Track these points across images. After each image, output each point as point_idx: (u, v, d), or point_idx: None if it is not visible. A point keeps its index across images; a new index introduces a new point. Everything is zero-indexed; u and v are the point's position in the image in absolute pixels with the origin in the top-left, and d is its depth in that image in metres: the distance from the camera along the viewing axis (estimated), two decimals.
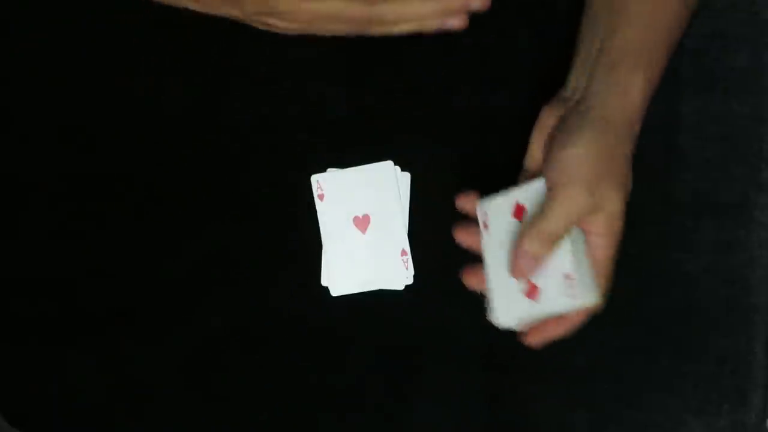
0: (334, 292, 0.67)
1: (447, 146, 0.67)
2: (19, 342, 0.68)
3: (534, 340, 0.61)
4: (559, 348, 0.67)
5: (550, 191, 0.57)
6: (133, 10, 0.69)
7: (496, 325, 0.60)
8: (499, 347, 0.67)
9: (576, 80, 0.61)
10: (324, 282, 0.68)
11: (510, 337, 0.67)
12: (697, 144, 0.68)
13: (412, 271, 0.67)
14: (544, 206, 0.57)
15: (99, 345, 0.68)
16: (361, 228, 0.68)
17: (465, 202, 0.64)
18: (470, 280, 0.63)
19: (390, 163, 0.67)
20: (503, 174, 0.67)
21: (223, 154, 0.69)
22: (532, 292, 0.58)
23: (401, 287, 0.67)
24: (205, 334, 0.67)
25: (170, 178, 0.68)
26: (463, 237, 0.64)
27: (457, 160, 0.67)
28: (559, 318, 0.60)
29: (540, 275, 0.58)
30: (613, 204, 0.57)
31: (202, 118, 0.69)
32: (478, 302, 0.67)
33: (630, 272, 0.67)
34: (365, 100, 0.67)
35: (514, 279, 0.59)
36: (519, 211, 0.59)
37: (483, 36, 0.69)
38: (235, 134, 0.69)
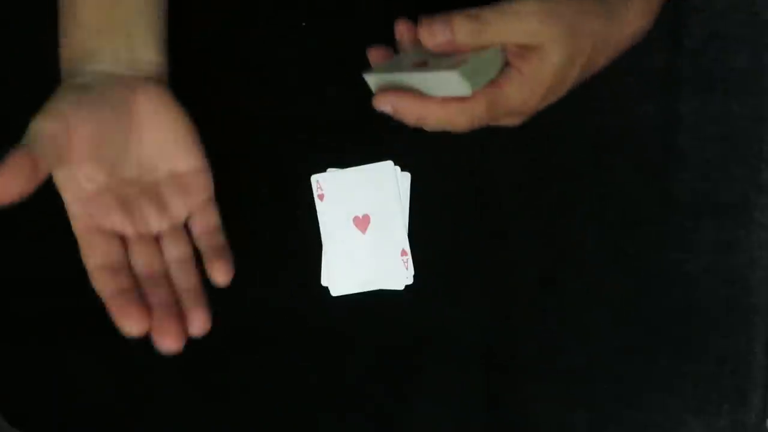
0: (334, 292, 0.67)
1: (447, 146, 0.67)
2: (20, 342, 0.68)
3: (383, 102, 0.54)
4: (559, 348, 0.67)
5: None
6: None
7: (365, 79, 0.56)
8: (499, 347, 0.67)
9: None
10: (324, 282, 0.68)
11: (510, 336, 0.67)
12: (697, 144, 0.68)
13: (412, 271, 0.67)
14: (500, 4, 0.51)
15: (99, 345, 0.68)
16: (361, 228, 0.68)
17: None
18: (373, 54, 0.57)
19: (390, 163, 0.67)
20: (504, 174, 0.67)
21: (223, 154, 0.69)
22: (420, 64, 0.53)
23: (401, 287, 0.67)
24: (205, 334, 0.67)
25: None
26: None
27: (457, 160, 0.67)
28: (420, 95, 0.54)
29: (436, 59, 0.53)
30: (556, 61, 0.51)
31: (202, 117, 0.69)
32: (478, 302, 0.67)
33: (630, 272, 0.67)
34: (365, 100, 0.67)
35: (411, 53, 0.54)
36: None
37: None
38: (234, 134, 0.69)
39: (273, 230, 0.68)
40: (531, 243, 0.67)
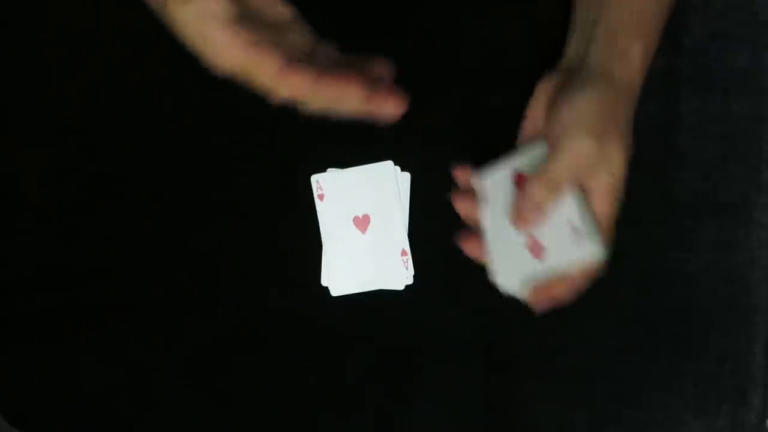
0: (334, 292, 0.67)
1: (447, 146, 0.67)
2: (20, 342, 0.68)
3: (541, 303, 0.60)
4: (559, 348, 0.67)
5: (555, 142, 0.57)
6: (134, 10, 0.70)
7: (499, 289, 0.60)
8: (498, 347, 0.67)
9: (574, 51, 0.62)
10: (324, 282, 0.68)
11: (510, 336, 0.67)
12: (697, 144, 0.68)
13: (412, 271, 0.67)
14: (549, 156, 0.57)
15: (99, 345, 0.68)
16: (361, 228, 0.68)
17: (462, 174, 0.64)
18: (468, 247, 0.62)
19: (390, 163, 0.67)
20: None
21: (223, 154, 0.69)
22: (536, 248, 0.57)
23: (401, 287, 0.67)
24: (205, 334, 0.67)
25: (170, 178, 0.68)
26: (461, 205, 0.63)
27: (457, 160, 0.67)
28: (562, 279, 0.59)
29: (543, 231, 0.57)
30: (616, 162, 0.57)
31: (202, 117, 0.69)
32: (478, 302, 0.67)
33: (630, 272, 0.67)
34: None
35: (518, 240, 0.58)
36: (520, 180, 0.59)
37: (485, 35, 0.69)
38: (235, 134, 0.69)
39: (273, 230, 0.68)
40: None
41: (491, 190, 0.61)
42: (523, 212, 0.57)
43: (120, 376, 0.68)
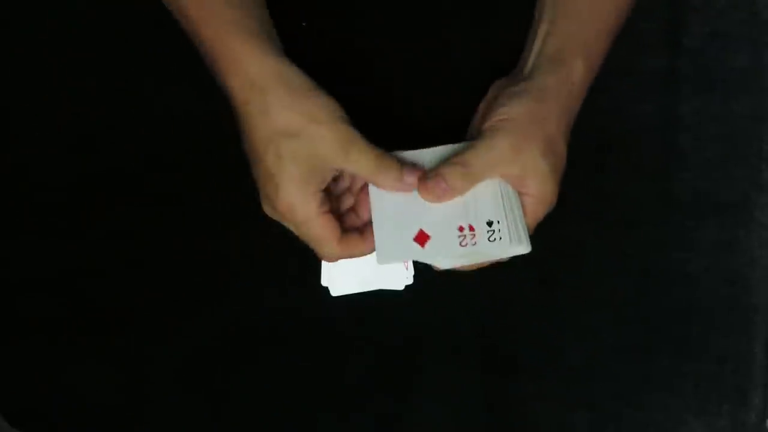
0: (334, 292, 0.67)
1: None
2: (20, 342, 0.68)
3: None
4: (559, 348, 0.67)
5: (479, 135, 0.59)
6: (134, 10, 0.70)
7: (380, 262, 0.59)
8: (498, 347, 0.67)
9: (526, 59, 0.63)
10: (324, 282, 0.67)
11: (510, 336, 0.67)
12: (697, 144, 0.68)
13: (412, 271, 0.67)
14: (467, 146, 0.58)
15: (99, 345, 0.68)
16: None
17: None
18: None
19: None
20: None
21: (224, 153, 0.69)
22: (421, 238, 0.58)
23: (401, 287, 0.67)
24: (205, 334, 0.67)
25: (170, 179, 0.68)
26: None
27: None
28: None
29: (434, 224, 0.58)
30: (540, 167, 0.58)
31: (203, 117, 0.69)
32: (478, 302, 0.67)
33: (630, 272, 0.67)
34: (365, 100, 0.67)
35: (404, 223, 0.59)
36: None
37: (485, 37, 0.69)
38: (234, 134, 0.69)
39: (273, 230, 0.68)
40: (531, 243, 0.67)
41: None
42: (433, 191, 0.58)
43: (120, 377, 0.68)
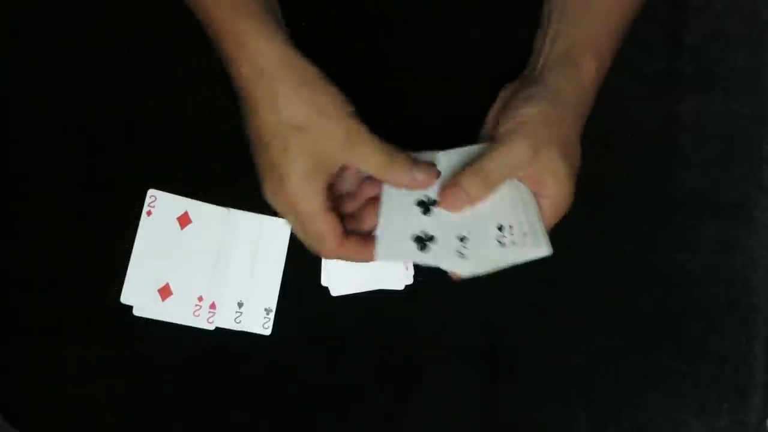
0: (334, 292, 0.67)
1: (446, 146, 0.67)
2: (20, 342, 0.68)
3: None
4: (559, 348, 0.67)
5: (495, 139, 0.58)
6: (134, 11, 0.70)
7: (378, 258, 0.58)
8: (499, 347, 0.67)
9: (535, 62, 0.63)
10: (324, 282, 0.67)
11: (510, 336, 0.67)
12: (697, 144, 0.68)
13: (412, 271, 0.67)
14: (484, 153, 0.58)
15: (99, 345, 0.68)
16: None
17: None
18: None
19: None
20: None
21: (224, 153, 0.69)
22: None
23: (401, 287, 0.67)
24: (205, 334, 0.67)
25: (169, 178, 0.68)
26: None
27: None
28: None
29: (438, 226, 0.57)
30: (558, 169, 0.58)
31: (203, 117, 0.69)
32: (478, 302, 0.67)
33: (630, 272, 0.67)
34: (365, 100, 0.67)
35: (410, 222, 0.58)
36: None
37: (485, 38, 0.69)
38: (235, 134, 0.69)
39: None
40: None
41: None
42: (449, 195, 0.57)
43: (120, 377, 0.68)
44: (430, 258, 0.57)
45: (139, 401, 0.67)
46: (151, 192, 0.68)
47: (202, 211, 0.68)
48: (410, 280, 0.67)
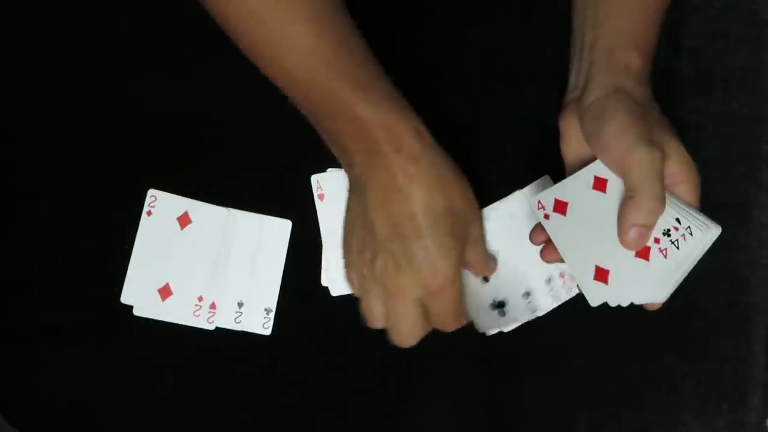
0: (334, 292, 0.67)
1: (447, 146, 0.67)
2: (20, 342, 0.68)
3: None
4: (559, 348, 0.67)
5: (618, 165, 0.56)
6: (135, 11, 0.70)
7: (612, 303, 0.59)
8: (499, 347, 0.67)
9: (576, 77, 0.62)
10: (324, 282, 0.67)
11: (510, 337, 0.67)
12: (697, 144, 0.68)
13: None
14: (625, 180, 0.56)
15: (99, 346, 0.68)
16: None
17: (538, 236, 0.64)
18: (547, 255, 0.62)
19: None
20: (504, 173, 0.67)
21: (223, 154, 0.69)
22: (600, 274, 0.58)
23: None
24: (205, 334, 0.67)
25: (169, 178, 0.68)
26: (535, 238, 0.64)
27: (457, 161, 0.67)
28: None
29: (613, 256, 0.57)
30: (677, 147, 0.56)
31: (202, 117, 0.69)
32: None
33: None
34: None
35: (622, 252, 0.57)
36: (600, 183, 0.58)
37: (488, 38, 0.69)
38: (234, 134, 0.69)
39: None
40: None
41: (570, 200, 0.60)
42: (628, 237, 0.56)
43: (120, 377, 0.68)
44: (615, 289, 0.58)
45: (139, 401, 0.67)
46: (151, 192, 0.68)
47: (202, 211, 0.68)
48: None
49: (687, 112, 0.68)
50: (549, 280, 0.66)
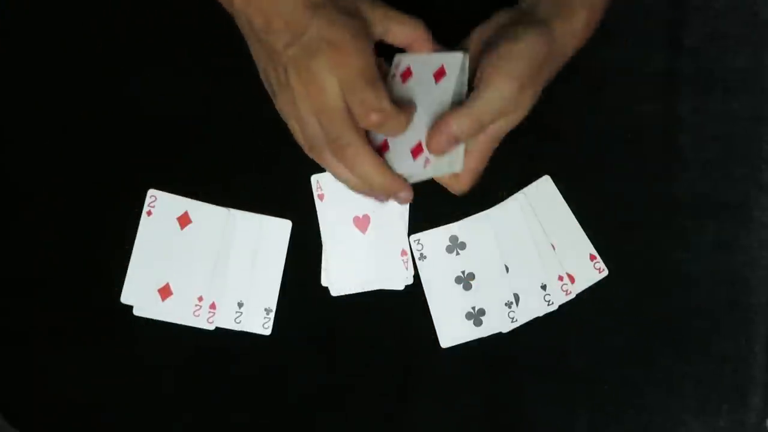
0: (334, 292, 0.67)
1: None
2: (20, 342, 0.68)
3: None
4: (559, 348, 0.67)
5: (486, 78, 0.57)
6: (134, 11, 0.70)
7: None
8: (499, 347, 0.67)
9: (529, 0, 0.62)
10: (324, 282, 0.68)
11: (510, 336, 0.67)
12: (697, 144, 0.68)
13: (412, 271, 0.67)
14: (478, 92, 0.57)
15: (99, 346, 0.68)
16: (361, 228, 0.68)
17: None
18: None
19: None
20: (503, 172, 0.67)
21: (223, 154, 0.69)
22: (417, 151, 0.58)
23: (401, 287, 0.67)
24: (205, 335, 0.67)
25: (169, 178, 0.68)
26: None
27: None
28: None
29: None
30: (522, 111, 0.58)
31: (202, 117, 0.69)
32: None
33: (630, 272, 0.67)
34: None
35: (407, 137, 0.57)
36: (440, 74, 0.59)
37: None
38: (234, 134, 0.69)
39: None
40: None
41: (414, 71, 0.60)
42: (438, 140, 0.56)
43: (120, 377, 0.68)
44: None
45: (139, 401, 0.67)
46: (151, 192, 0.68)
47: (202, 211, 0.68)
48: (410, 280, 0.67)
49: (687, 112, 0.68)
50: (544, 286, 0.66)
